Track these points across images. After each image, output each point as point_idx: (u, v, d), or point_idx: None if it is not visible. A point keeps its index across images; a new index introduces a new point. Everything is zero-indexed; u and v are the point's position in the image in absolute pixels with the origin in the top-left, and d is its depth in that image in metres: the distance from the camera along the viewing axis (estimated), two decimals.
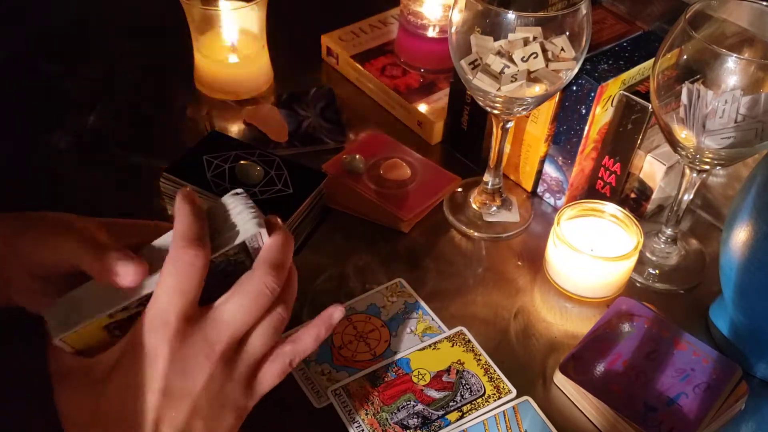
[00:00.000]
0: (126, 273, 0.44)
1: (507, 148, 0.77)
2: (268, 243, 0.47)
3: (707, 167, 0.65)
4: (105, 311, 0.45)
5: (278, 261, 0.47)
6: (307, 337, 0.50)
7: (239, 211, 0.47)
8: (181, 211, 0.45)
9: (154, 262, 0.45)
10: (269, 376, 0.48)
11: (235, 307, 0.45)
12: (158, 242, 0.47)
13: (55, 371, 0.46)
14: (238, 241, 0.46)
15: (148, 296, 0.45)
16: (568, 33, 0.64)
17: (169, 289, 0.43)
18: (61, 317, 0.45)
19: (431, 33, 0.90)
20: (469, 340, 0.66)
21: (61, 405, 0.45)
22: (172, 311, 0.43)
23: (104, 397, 0.44)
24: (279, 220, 0.49)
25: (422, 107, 0.87)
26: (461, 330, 0.67)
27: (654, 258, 0.74)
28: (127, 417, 0.44)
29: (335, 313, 0.51)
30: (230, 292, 0.46)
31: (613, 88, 0.71)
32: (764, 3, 0.63)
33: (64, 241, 0.46)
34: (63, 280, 0.47)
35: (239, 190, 0.49)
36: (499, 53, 0.64)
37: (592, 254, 0.68)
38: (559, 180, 0.78)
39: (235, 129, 0.87)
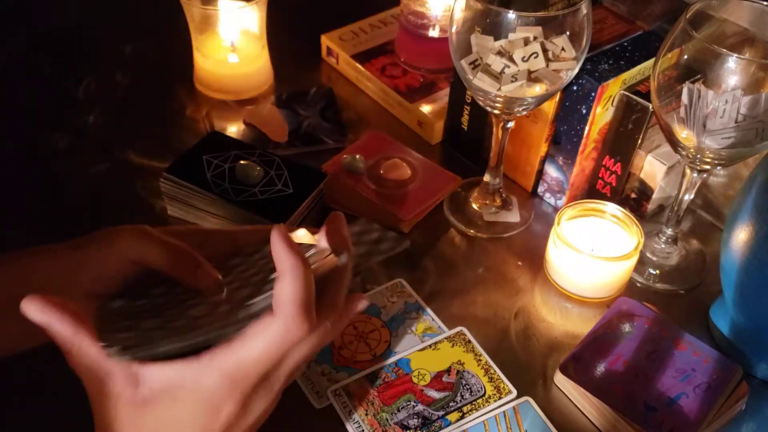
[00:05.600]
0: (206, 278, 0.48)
1: (507, 148, 0.77)
2: (341, 287, 0.47)
3: (708, 167, 0.65)
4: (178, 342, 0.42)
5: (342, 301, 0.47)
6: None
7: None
8: (297, 271, 0.42)
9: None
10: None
11: (313, 344, 0.45)
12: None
13: (88, 374, 0.43)
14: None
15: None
16: (568, 33, 0.64)
17: (262, 352, 0.42)
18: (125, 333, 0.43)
19: (431, 33, 0.90)
20: (469, 341, 0.66)
21: (101, 414, 0.43)
22: (257, 373, 0.42)
23: (150, 420, 0.42)
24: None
25: (422, 107, 0.87)
26: (461, 330, 0.67)
27: (654, 258, 0.74)
28: None
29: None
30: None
31: (614, 88, 0.71)
32: (764, 3, 0.63)
33: (159, 246, 0.49)
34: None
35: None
36: (499, 53, 0.64)
37: (592, 254, 0.68)
38: (559, 180, 0.78)
39: (235, 129, 0.87)
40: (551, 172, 0.78)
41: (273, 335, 0.42)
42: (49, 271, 0.49)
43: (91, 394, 0.43)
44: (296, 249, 0.42)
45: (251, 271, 0.49)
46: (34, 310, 0.41)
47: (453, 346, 0.66)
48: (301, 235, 0.49)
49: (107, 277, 0.49)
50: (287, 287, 0.42)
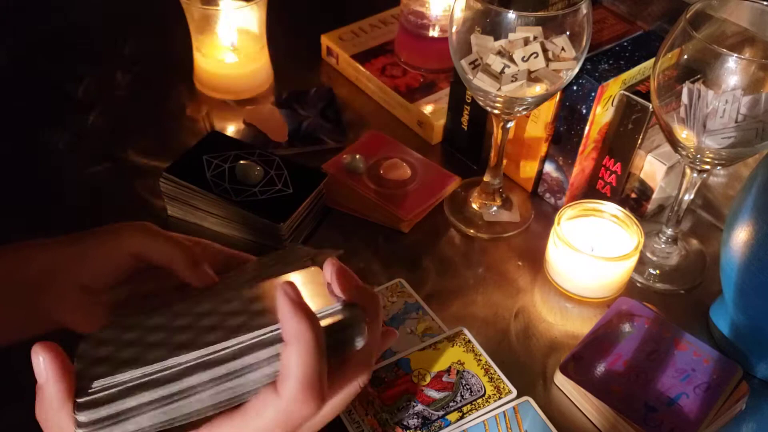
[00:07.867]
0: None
1: (507, 148, 0.77)
2: (371, 340, 0.43)
3: (708, 167, 0.65)
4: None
5: (375, 353, 0.45)
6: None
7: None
8: (305, 342, 0.38)
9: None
10: None
11: (334, 408, 0.43)
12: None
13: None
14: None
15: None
16: (568, 33, 0.64)
17: (264, 430, 0.39)
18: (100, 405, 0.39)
19: (431, 33, 0.90)
20: (469, 341, 0.66)
21: None
22: None
23: None
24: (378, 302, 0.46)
25: (422, 107, 0.87)
26: (461, 330, 0.67)
27: (654, 258, 0.74)
28: None
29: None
30: (333, 392, 0.42)
31: (614, 88, 0.71)
32: (764, 3, 0.63)
33: (163, 240, 0.49)
34: (110, 294, 0.49)
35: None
36: (499, 53, 0.64)
37: (592, 254, 0.68)
38: (559, 180, 0.78)
39: (234, 129, 0.87)
40: (551, 172, 0.78)
41: (275, 414, 0.38)
42: (46, 263, 0.49)
43: None
44: (307, 312, 0.38)
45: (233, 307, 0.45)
46: (40, 359, 0.38)
47: (453, 346, 0.66)
48: (310, 276, 0.45)
49: (107, 273, 0.49)
50: (294, 359, 0.37)
